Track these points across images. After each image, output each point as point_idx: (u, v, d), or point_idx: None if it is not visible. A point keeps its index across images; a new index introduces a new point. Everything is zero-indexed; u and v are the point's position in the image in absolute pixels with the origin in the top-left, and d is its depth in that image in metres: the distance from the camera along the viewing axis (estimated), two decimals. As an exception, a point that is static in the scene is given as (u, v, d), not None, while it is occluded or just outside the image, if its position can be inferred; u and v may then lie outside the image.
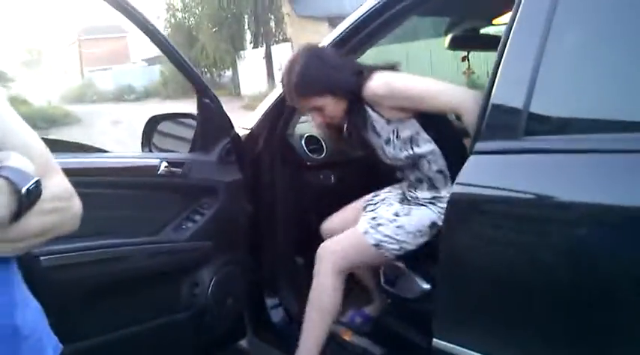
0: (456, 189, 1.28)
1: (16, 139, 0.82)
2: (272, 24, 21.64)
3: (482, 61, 4.29)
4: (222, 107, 1.90)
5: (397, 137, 1.72)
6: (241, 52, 22.11)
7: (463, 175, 1.27)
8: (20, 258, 0.82)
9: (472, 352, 1.22)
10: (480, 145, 1.28)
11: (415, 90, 1.65)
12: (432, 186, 1.74)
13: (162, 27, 26.97)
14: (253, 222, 2.03)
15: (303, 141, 2.12)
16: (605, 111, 1.17)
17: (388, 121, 1.71)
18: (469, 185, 1.27)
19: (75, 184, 1.46)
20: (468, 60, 2.64)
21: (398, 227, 1.70)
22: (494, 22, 2.38)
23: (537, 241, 1.17)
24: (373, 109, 1.72)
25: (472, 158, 1.28)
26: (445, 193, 1.62)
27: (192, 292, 1.80)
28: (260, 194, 2.05)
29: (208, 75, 23.77)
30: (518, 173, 1.22)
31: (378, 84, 1.64)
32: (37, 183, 0.73)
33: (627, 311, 1.02)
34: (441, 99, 1.63)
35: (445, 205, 1.37)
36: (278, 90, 2.03)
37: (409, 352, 1.82)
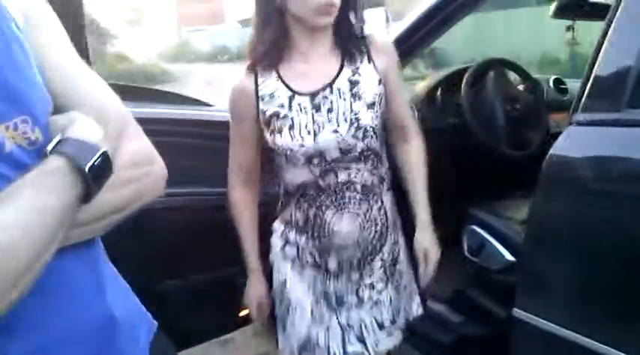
0: (551, 159, 1.26)
1: (91, 98, 0.72)
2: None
3: (586, 31, 4.07)
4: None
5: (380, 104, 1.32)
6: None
7: (559, 145, 1.24)
8: None
9: (552, 324, 1.22)
10: (579, 116, 1.25)
11: None
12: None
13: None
14: None
15: None
16: None
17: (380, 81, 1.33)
18: (565, 156, 1.24)
19: (179, 134, 1.55)
20: (573, 29, 2.52)
21: None
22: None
23: (632, 218, 1.14)
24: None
25: (571, 128, 1.25)
26: None
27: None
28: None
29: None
30: (616, 146, 1.18)
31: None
32: (104, 156, 0.62)
33: None
34: None
35: None
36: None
37: (487, 322, 1.82)
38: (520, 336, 1.34)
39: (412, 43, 1.86)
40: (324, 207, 1.29)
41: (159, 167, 0.77)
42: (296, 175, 1.30)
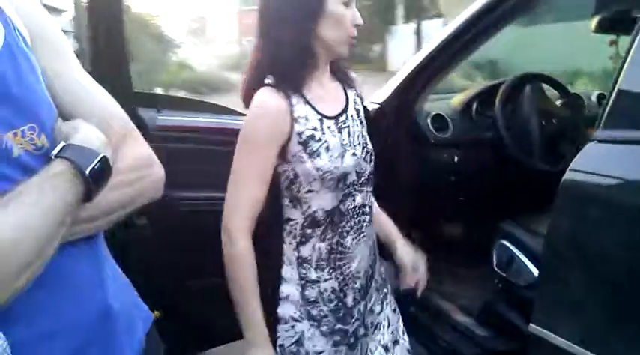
0: (569, 175, 1.25)
1: (95, 107, 0.79)
2: (426, -1, 21.21)
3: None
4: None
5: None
6: (392, 26, 21.97)
7: (578, 162, 1.24)
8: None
9: (565, 340, 1.21)
10: (599, 133, 1.24)
11: None
12: None
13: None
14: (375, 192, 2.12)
15: (429, 119, 2.14)
16: None
17: None
18: (583, 172, 1.24)
19: (212, 142, 1.61)
20: (617, 45, 2.46)
21: None
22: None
23: None
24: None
25: (591, 145, 1.25)
26: None
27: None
28: (384, 166, 2.12)
29: (358, 48, 24.04)
30: (635, 164, 1.17)
31: None
32: (104, 160, 0.68)
33: None
34: None
35: None
36: (408, 67, 2.07)
37: (513, 337, 1.81)
38: (535, 352, 1.34)
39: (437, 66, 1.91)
40: (345, 233, 1.26)
41: (157, 169, 0.83)
42: (327, 201, 1.23)
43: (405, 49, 19.75)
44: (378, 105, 2.12)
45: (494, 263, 1.91)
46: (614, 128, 1.23)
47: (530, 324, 1.33)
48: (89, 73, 0.83)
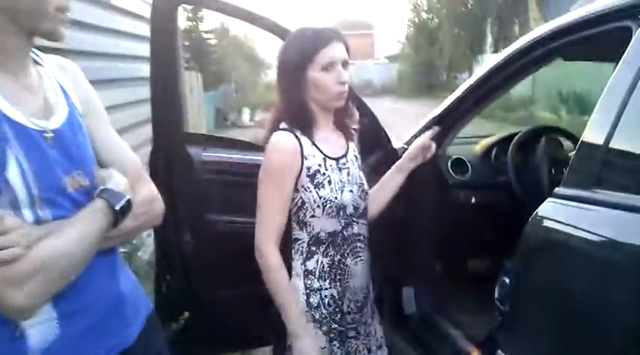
0: (529, 224, 1.45)
1: (116, 155, 1.15)
2: (516, 28, 20.93)
3: None
4: (378, 124, 2.23)
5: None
6: (479, 55, 21.83)
7: (538, 213, 1.44)
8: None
9: None
10: (559, 189, 1.44)
11: None
12: None
13: (405, 26, 27.93)
14: (401, 225, 2.35)
15: (449, 162, 2.37)
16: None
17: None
18: (539, 224, 1.43)
19: (243, 175, 1.91)
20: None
21: None
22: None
23: (599, 287, 1.27)
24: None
25: (550, 200, 1.45)
26: None
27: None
28: (409, 203, 2.36)
29: (444, 76, 24.00)
30: (580, 223, 1.34)
31: None
32: (128, 201, 1.03)
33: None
34: None
35: None
36: (435, 112, 2.31)
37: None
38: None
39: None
40: (345, 255, 1.57)
41: (159, 205, 1.17)
42: (328, 224, 1.54)
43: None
44: (405, 146, 2.37)
45: (496, 297, 2.09)
46: (569, 187, 1.42)
47: (499, 351, 1.53)
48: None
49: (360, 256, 1.61)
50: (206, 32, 22.23)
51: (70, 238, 0.94)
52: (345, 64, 1.51)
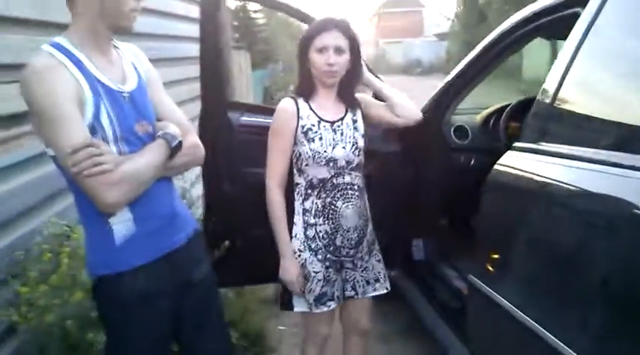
0: (491, 173, 1.83)
1: (172, 115, 1.57)
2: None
3: None
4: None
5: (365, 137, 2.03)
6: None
7: (500, 163, 1.82)
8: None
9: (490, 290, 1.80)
10: (517, 143, 1.81)
11: None
12: None
13: (454, 4, 27.63)
14: (410, 185, 2.73)
15: (452, 129, 2.73)
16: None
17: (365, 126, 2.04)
18: (498, 172, 1.81)
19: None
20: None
21: None
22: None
23: (534, 218, 1.66)
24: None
25: (509, 152, 1.82)
26: None
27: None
28: (417, 165, 2.74)
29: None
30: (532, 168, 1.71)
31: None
32: (180, 142, 1.44)
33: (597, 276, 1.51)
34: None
35: None
36: (439, 86, 2.68)
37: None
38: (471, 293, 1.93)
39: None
40: (336, 198, 1.96)
41: (200, 150, 1.60)
42: (319, 172, 1.94)
43: (538, 58, 19.32)
44: None
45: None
46: (523, 141, 1.79)
47: (470, 275, 1.93)
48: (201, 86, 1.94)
49: (351, 201, 1.97)
50: (254, 12, 22.65)
51: (141, 163, 1.38)
52: (337, 50, 1.88)
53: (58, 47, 1.35)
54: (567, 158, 1.57)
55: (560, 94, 1.68)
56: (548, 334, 1.45)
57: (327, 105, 1.98)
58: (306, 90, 1.97)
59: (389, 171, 2.56)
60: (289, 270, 1.96)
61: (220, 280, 1.78)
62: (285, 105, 1.97)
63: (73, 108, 1.30)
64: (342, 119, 1.98)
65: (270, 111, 2.55)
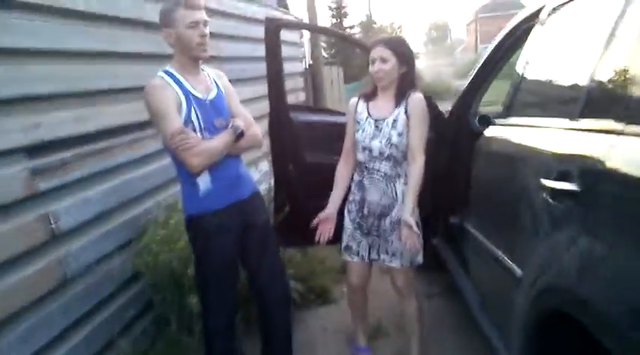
0: (478, 142, 2.39)
1: (239, 112, 2.27)
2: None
3: None
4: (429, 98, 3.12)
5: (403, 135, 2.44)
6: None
7: (485, 134, 2.38)
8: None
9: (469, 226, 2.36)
10: (497, 119, 2.37)
11: None
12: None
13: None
14: (446, 168, 3.25)
15: (477, 118, 3.24)
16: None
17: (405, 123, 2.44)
18: (482, 142, 2.37)
19: (326, 130, 3.02)
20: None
21: None
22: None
23: (501, 176, 2.11)
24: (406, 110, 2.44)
25: (491, 127, 2.39)
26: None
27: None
28: (450, 152, 3.25)
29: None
30: (503, 139, 2.26)
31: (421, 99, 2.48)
32: (242, 131, 2.15)
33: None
34: None
35: None
36: (467, 79, 3.23)
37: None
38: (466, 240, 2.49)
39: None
40: (365, 178, 2.53)
41: (259, 138, 2.30)
42: (361, 156, 2.50)
43: None
44: (450, 110, 3.31)
45: None
46: (502, 117, 2.34)
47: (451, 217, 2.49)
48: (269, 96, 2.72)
49: (376, 183, 2.50)
50: (350, 27, 23.38)
51: (214, 143, 2.09)
52: (382, 60, 2.41)
53: (167, 72, 2.11)
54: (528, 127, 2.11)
55: (524, 77, 2.23)
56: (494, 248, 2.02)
57: (380, 105, 2.51)
58: (369, 92, 2.59)
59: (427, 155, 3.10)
60: (324, 213, 2.55)
61: (284, 240, 2.39)
62: (351, 101, 2.64)
63: (173, 110, 2.04)
64: (385, 118, 2.49)
65: (323, 111, 3.26)
